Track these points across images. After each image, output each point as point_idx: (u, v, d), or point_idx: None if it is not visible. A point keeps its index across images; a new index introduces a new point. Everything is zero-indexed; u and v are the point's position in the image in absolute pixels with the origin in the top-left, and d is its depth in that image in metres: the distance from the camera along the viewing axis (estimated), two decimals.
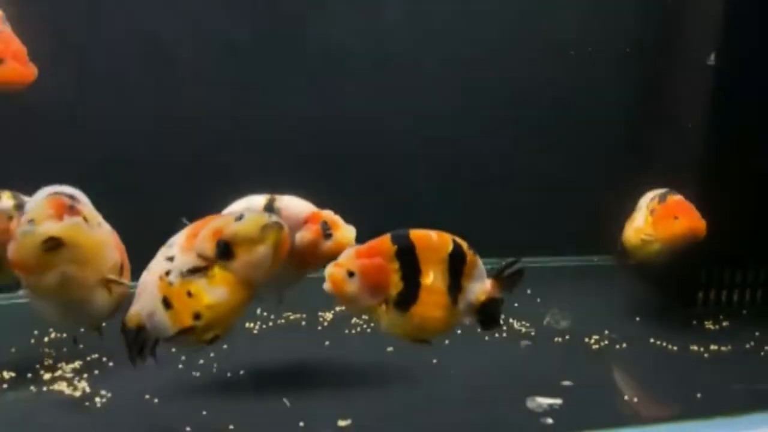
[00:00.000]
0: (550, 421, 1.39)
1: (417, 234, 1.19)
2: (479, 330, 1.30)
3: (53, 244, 1.21)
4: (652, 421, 1.42)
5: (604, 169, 2.16)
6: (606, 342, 1.72)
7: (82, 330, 1.45)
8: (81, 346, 1.44)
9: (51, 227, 1.22)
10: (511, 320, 1.82)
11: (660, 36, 2.05)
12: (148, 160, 1.93)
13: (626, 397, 1.48)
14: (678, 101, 1.96)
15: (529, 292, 1.97)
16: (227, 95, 1.97)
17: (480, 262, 1.24)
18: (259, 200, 1.47)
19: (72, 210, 1.24)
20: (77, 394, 1.46)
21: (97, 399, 1.44)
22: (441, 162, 2.10)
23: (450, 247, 1.19)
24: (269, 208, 1.43)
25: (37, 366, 1.56)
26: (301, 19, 2.00)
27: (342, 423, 1.34)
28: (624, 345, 1.71)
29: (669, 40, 2.01)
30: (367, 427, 1.34)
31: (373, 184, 2.04)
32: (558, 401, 1.45)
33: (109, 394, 1.46)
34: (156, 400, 1.43)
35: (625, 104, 2.16)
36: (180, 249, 1.17)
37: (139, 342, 1.21)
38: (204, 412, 1.37)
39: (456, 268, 1.19)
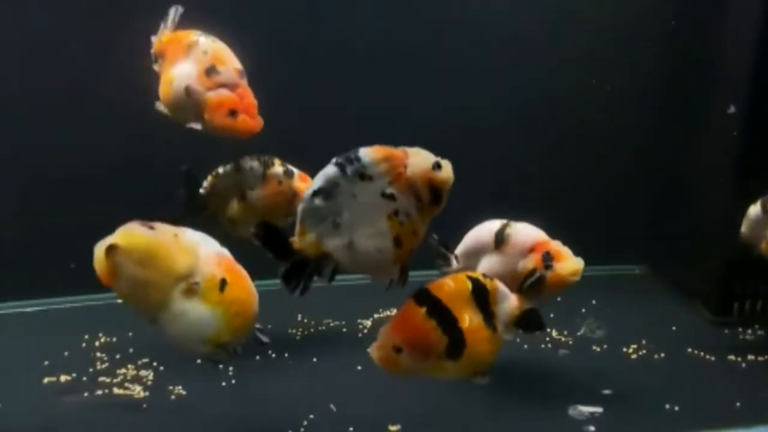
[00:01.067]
0: (592, 429, 1.42)
1: (435, 287, 1.25)
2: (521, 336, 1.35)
3: None
4: (693, 430, 1.45)
5: (642, 175, 2.18)
6: (644, 351, 1.74)
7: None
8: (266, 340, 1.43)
9: None
10: (549, 329, 1.84)
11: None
12: None
13: (667, 406, 1.50)
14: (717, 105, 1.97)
15: (563, 300, 2.01)
16: None
17: (499, 284, 1.31)
18: (495, 225, 1.57)
19: None
20: (134, 396, 1.51)
21: (153, 402, 1.50)
22: (478, 162, 2.11)
23: (469, 286, 1.26)
24: (500, 233, 1.54)
25: (91, 370, 1.62)
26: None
27: (393, 428, 1.38)
28: (662, 354, 1.73)
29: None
30: None
31: None
32: (599, 409, 1.48)
33: (165, 397, 1.51)
34: (208, 404, 1.48)
35: (656, 108, 2.17)
36: (397, 191, 1.20)
37: (311, 272, 1.22)
38: (253, 417, 1.42)
39: (482, 300, 1.26)
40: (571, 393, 1.53)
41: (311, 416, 1.43)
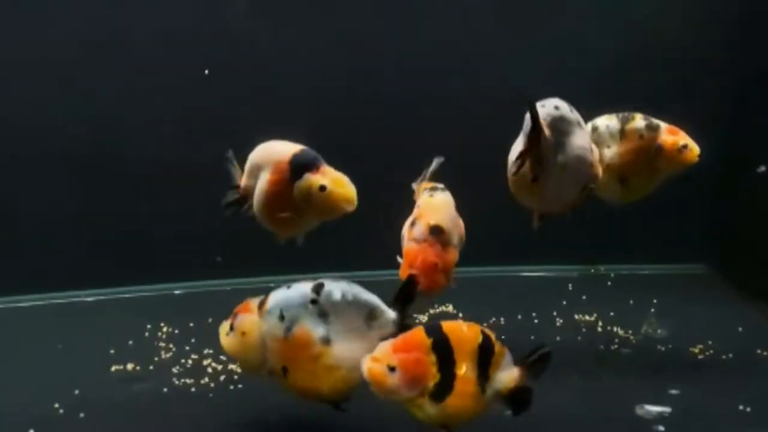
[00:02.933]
0: (661, 428, 1.38)
1: (449, 326, 1.24)
2: (510, 414, 1.29)
3: None
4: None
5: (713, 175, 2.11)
6: (711, 352, 1.70)
7: None
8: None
9: None
10: (611, 328, 1.82)
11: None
12: None
13: (740, 407, 1.46)
14: None
15: (624, 298, 1.99)
16: None
17: (507, 352, 1.27)
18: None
19: None
20: (198, 385, 1.54)
21: (217, 391, 1.52)
22: None
23: (480, 339, 1.24)
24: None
25: (157, 359, 1.64)
26: None
27: None
28: (729, 355, 1.69)
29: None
30: None
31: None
32: (667, 409, 1.45)
33: (225, 387, 1.54)
34: (267, 393, 1.49)
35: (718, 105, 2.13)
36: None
37: None
38: (310, 405, 1.42)
39: (485, 359, 1.24)
40: (638, 392, 1.50)
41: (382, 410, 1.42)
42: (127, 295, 2.02)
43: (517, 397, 1.27)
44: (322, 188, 1.35)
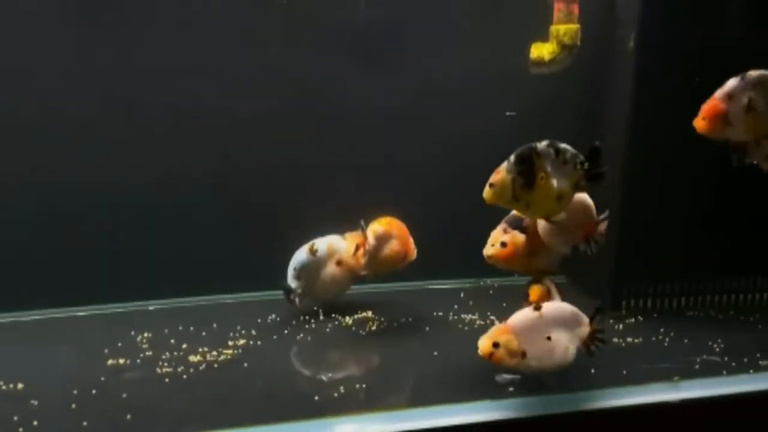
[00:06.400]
0: (511, 389, 1.91)
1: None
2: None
3: None
4: None
5: None
6: None
7: None
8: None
9: None
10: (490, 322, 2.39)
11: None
12: None
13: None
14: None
15: (503, 304, 2.39)
16: None
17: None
18: None
19: None
20: (176, 373, 2.03)
21: (192, 376, 2.00)
22: None
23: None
24: None
25: (142, 355, 2.13)
26: None
27: None
28: None
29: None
30: None
31: None
32: (517, 377, 2.00)
33: (195, 371, 2.02)
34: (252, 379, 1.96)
35: None
36: None
37: None
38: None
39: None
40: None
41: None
42: (107, 312, 2.49)
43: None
44: None
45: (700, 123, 1.89)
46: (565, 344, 1.81)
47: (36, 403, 1.82)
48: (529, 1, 2.38)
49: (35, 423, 1.72)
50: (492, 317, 2.33)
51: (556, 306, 1.90)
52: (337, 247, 2.35)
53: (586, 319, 1.88)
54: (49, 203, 2.42)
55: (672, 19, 2.23)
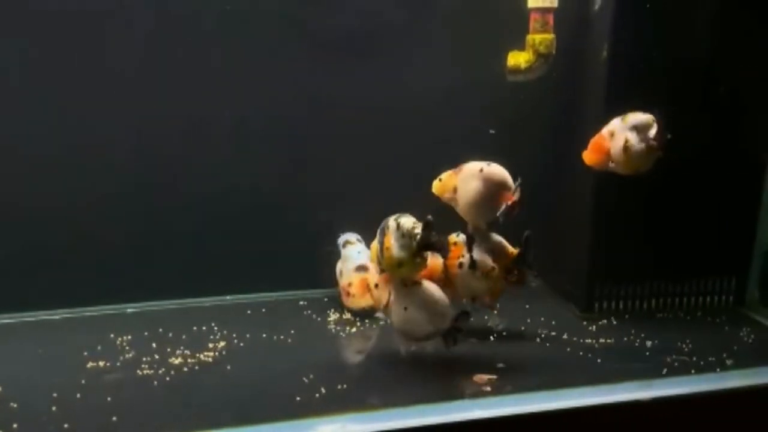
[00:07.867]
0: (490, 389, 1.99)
1: None
2: None
3: None
4: None
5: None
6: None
7: None
8: None
9: None
10: None
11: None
12: None
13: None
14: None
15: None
16: None
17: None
18: None
19: None
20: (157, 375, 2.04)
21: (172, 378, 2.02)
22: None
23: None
24: None
25: (122, 357, 2.14)
26: None
27: None
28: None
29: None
30: None
31: None
32: (494, 377, 2.06)
33: (176, 373, 2.04)
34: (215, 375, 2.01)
35: None
36: None
37: None
38: None
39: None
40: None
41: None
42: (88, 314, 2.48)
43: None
44: None
45: (587, 155, 2.11)
46: None
47: (15, 405, 1.82)
48: (508, 11, 2.43)
49: (15, 426, 1.72)
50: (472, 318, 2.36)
51: None
52: None
53: None
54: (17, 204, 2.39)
55: (644, 31, 2.29)
